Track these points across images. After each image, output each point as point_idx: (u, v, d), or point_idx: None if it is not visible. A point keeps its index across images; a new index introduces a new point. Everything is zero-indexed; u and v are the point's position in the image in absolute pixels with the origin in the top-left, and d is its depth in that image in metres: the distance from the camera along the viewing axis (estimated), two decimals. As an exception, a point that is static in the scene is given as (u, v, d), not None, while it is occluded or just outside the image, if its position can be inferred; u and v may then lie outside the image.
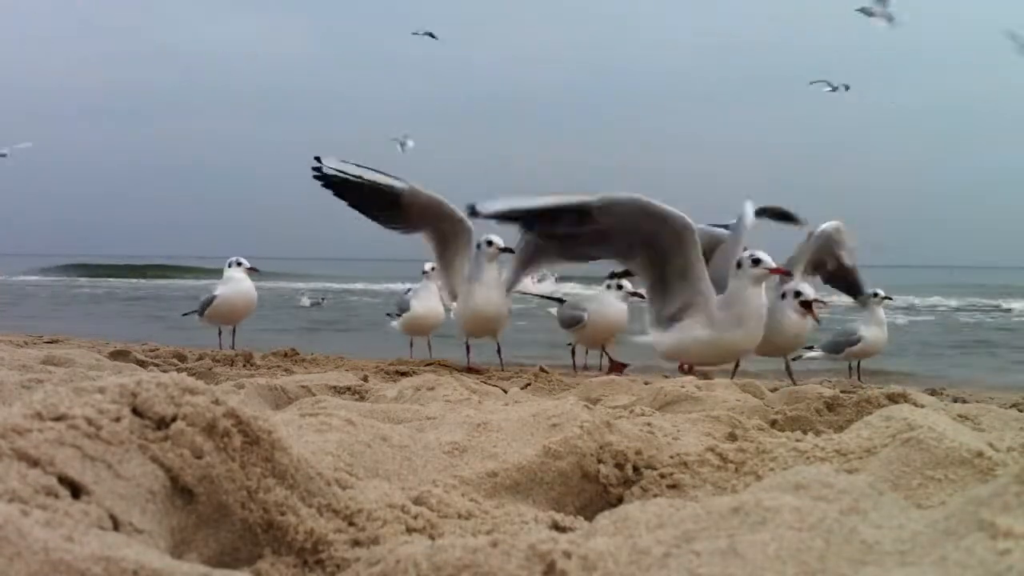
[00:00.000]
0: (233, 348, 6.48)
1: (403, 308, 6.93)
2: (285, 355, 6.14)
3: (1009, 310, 18.30)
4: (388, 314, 7.55)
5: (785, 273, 4.85)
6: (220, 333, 7.09)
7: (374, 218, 5.72)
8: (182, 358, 5.39)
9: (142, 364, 4.54)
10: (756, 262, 4.45)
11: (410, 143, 13.39)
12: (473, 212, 4.64)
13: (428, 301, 6.83)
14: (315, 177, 5.58)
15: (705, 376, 4.24)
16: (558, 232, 4.54)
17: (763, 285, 4.60)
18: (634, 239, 4.47)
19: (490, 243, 5.49)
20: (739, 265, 4.50)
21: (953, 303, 20.85)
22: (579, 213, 4.36)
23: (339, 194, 5.62)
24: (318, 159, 5.59)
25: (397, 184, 5.58)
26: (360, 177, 5.56)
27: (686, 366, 4.80)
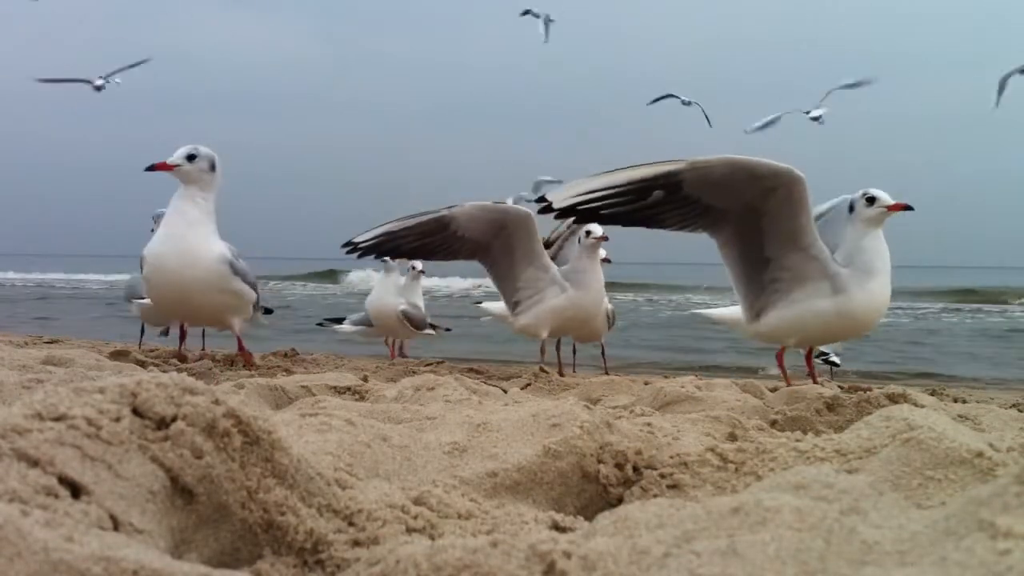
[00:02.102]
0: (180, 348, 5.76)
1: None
2: (285, 355, 6.14)
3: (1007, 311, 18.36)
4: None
5: (906, 207, 3.90)
6: (207, 334, 7.06)
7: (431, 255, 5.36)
8: (182, 358, 5.38)
9: (142, 364, 4.53)
10: (872, 200, 3.77)
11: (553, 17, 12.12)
12: (547, 208, 3.85)
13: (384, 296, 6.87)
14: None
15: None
16: (639, 215, 3.77)
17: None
18: (730, 207, 3.72)
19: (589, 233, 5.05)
20: (851, 208, 3.82)
21: (953, 304, 20.89)
22: (666, 186, 3.63)
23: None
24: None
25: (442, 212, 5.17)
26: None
27: (796, 350, 3.96)
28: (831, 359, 6.53)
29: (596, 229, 5.10)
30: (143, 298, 5.66)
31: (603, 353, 6.37)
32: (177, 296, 4.39)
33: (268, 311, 5.62)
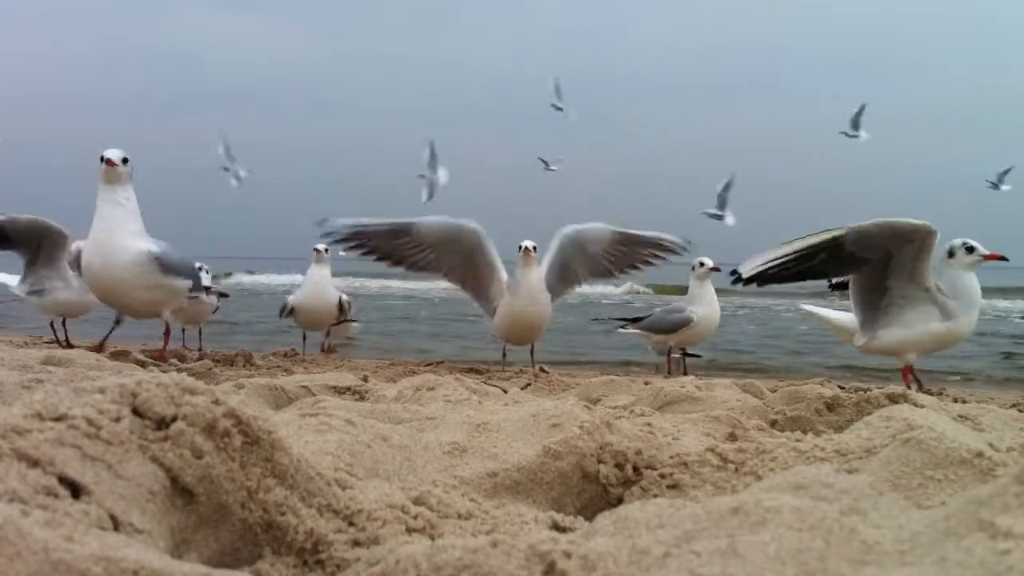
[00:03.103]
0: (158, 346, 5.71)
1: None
2: (285, 355, 6.14)
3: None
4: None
5: (1000, 258, 4.84)
6: (202, 333, 7.07)
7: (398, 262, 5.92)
8: (182, 358, 5.38)
9: (142, 364, 4.53)
10: (971, 249, 4.68)
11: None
12: (738, 279, 4.83)
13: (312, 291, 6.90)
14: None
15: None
16: (808, 272, 4.67)
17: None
18: (873, 256, 4.57)
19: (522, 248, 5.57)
20: (951, 254, 4.69)
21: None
22: (831, 248, 4.49)
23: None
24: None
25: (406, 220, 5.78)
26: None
27: (910, 368, 4.82)
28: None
29: (708, 261, 6.22)
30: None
31: (686, 355, 6.54)
32: (106, 296, 4.65)
33: (223, 295, 5.76)
